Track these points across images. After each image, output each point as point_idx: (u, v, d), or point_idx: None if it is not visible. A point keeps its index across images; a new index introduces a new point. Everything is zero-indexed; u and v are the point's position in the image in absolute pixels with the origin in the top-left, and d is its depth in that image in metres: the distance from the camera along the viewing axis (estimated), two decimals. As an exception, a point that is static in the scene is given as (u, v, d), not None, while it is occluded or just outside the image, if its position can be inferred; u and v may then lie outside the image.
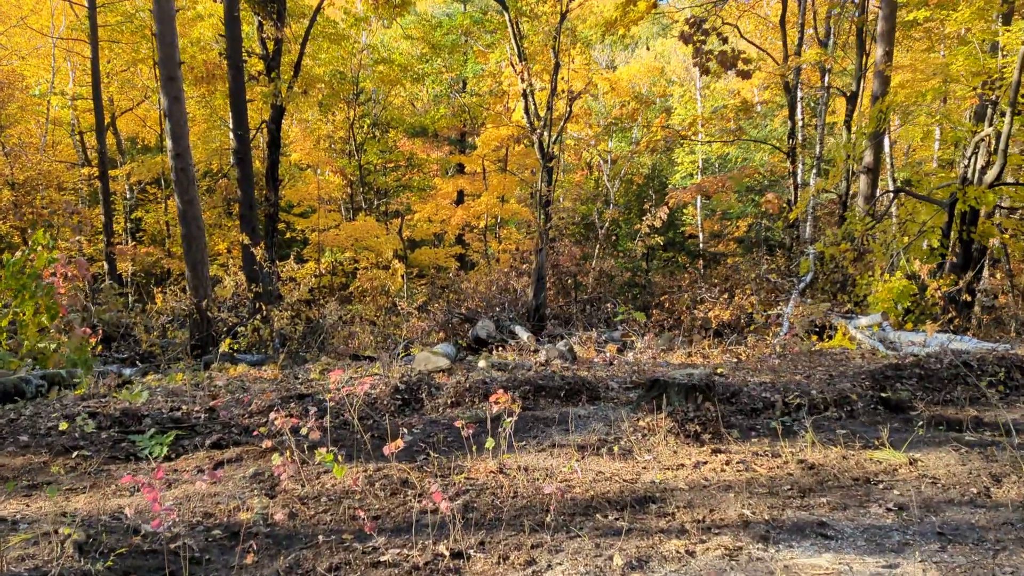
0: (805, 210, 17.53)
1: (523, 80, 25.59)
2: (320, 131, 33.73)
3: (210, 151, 27.93)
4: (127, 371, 12.68)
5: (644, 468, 5.39)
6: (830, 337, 11.27)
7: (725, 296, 13.28)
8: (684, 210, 37.22)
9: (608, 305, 15.41)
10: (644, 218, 21.32)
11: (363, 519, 4.14)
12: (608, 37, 18.59)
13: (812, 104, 28.46)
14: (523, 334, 12.23)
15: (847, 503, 4.60)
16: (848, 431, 6.24)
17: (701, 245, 36.12)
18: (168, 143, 12.95)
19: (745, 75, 17.15)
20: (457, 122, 30.45)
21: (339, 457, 5.66)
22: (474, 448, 5.77)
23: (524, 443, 6.07)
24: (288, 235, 29.64)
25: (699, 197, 29.85)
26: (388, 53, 29.78)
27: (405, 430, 6.45)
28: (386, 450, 4.85)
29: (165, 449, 6.19)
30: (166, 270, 27.68)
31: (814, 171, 21.99)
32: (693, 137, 19.08)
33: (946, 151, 27.19)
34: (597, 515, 4.47)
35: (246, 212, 16.99)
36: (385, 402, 7.22)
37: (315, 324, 15.67)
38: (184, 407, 7.29)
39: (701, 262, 34.45)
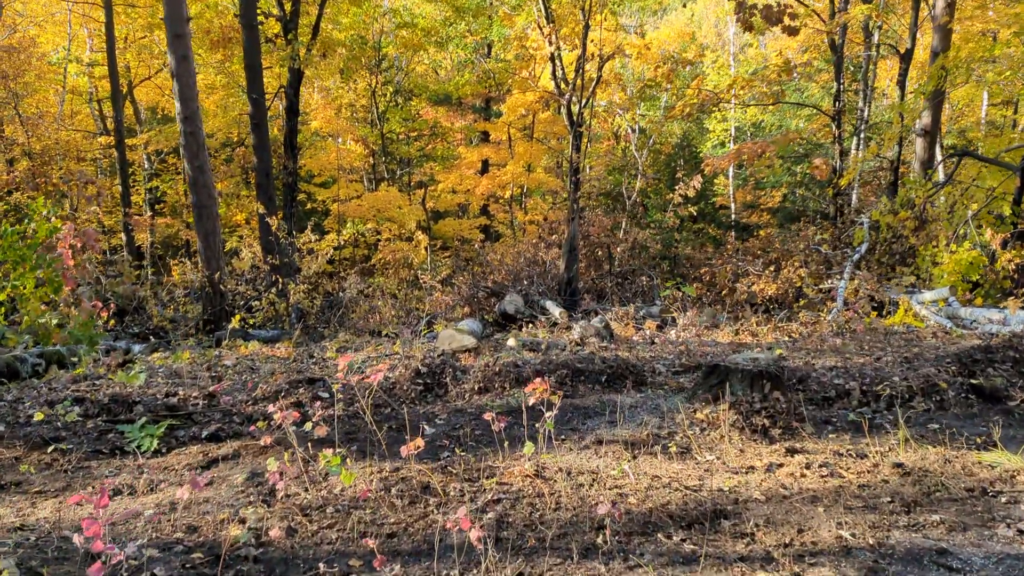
0: (855, 177, 16.51)
1: (551, 43, 24.52)
2: (342, 99, 32.85)
3: (229, 120, 27.10)
4: (136, 348, 12.00)
5: (707, 471, 4.56)
6: (890, 313, 10.36)
7: (771, 269, 12.37)
8: (714, 180, 36.05)
9: (644, 278, 14.55)
10: (676, 187, 20.32)
11: (374, 539, 3.37)
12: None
13: (851, 68, 27.19)
14: (555, 310, 11.39)
15: (966, 522, 3.76)
16: (940, 425, 5.38)
17: (733, 216, 34.97)
18: (176, 105, 12.16)
19: (792, 31, 16.07)
20: (482, 88, 29.44)
21: (350, 457, 4.88)
22: (506, 444, 4.97)
23: (563, 438, 5.27)
24: (309, 206, 28.85)
25: (732, 166, 28.71)
26: (411, 17, 28.79)
27: (426, 424, 5.66)
28: (404, 451, 4.07)
29: (155, 442, 5.45)
30: (185, 241, 27.05)
31: (855, 138, 20.87)
32: (732, 100, 18.02)
33: (994, 113, 25.88)
34: (659, 534, 3.66)
35: (262, 180, 16.22)
36: (405, 387, 6.43)
37: (334, 298, 14.94)
38: (181, 392, 6.55)
39: (733, 233, 33.38)
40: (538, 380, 4.64)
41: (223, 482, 4.60)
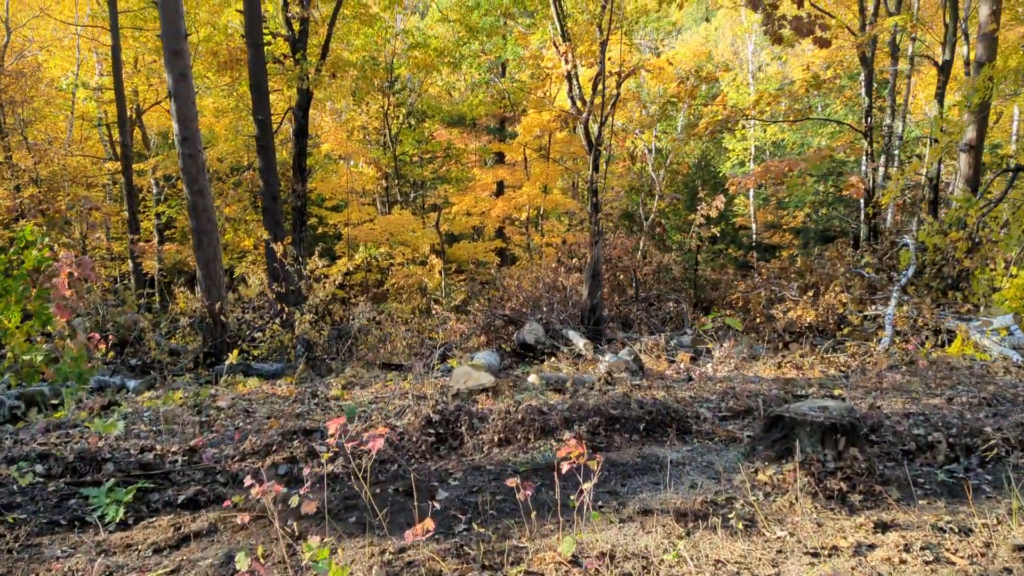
0: (897, 195, 15.66)
1: (567, 61, 23.84)
2: (354, 122, 32.28)
3: (239, 144, 26.49)
4: (131, 383, 11.23)
5: (781, 552, 3.72)
6: (946, 343, 9.48)
7: (809, 294, 11.51)
8: (734, 200, 35.20)
9: (671, 303, 13.72)
10: (698, 208, 19.50)
11: None
12: (663, 6, 16.80)
13: (875, 84, 26.38)
14: (578, 341, 10.56)
15: None
16: (1051, 488, 4.51)
17: (754, 236, 34.08)
18: (174, 126, 11.48)
19: (823, 43, 15.29)
20: (496, 108, 28.77)
21: (345, 535, 4.07)
22: (534, 515, 4.14)
23: (601, 504, 4.44)
24: (320, 230, 28.20)
25: (753, 186, 27.86)
26: (424, 38, 28.21)
27: (439, 485, 4.84)
28: (410, 536, 3.27)
29: (121, 510, 4.65)
30: (194, 268, 26.38)
31: (883, 155, 20.01)
32: (758, 116, 17.24)
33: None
34: (736, 654, 2.82)
35: (269, 204, 15.54)
36: (415, 438, 5.62)
37: (342, 327, 14.18)
38: (159, 446, 5.75)
39: (755, 254, 32.48)
40: (571, 441, 3.83)
41: (191, 569, 3.79)
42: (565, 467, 3.75)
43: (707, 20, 60.80)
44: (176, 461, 5.40)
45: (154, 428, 6.85)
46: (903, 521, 4.05)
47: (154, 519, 4.57)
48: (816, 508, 4.21)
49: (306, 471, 3.83)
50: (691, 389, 7.38)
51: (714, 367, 9.05)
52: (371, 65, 25.27)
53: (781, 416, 4.65)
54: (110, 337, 13.56)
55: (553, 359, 10.49)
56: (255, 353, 12.69)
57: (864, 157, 17.10)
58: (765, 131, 35.16)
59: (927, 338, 9.46)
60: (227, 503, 3.96)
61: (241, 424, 6.96)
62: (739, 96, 34.14)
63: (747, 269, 30.49)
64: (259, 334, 12.41)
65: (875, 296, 11.23)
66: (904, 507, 4.25)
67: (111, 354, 13.24)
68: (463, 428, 5.71)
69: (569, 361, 10.21)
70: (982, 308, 10.01)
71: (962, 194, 11.62)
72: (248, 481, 3.64)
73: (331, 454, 4.82)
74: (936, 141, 14.65)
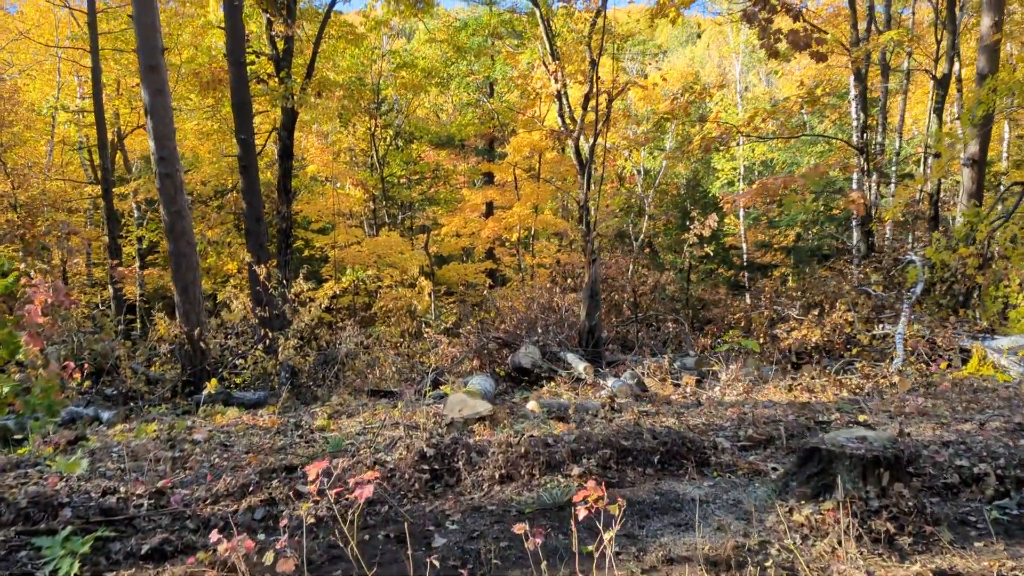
0: (901, 211, 15.32)
1: (556, 80, 23.50)
2: (340, 144, 31.87)
3: (222, 167, 25.95)
4: (105, 415, 10.67)
5: (830, 609, 3.24)
6: (958, 363, 9.04)
7: (814, 313, 11.07)
8: (723, 219, 34.87)
9: (670, 323, 13.25)
10: (691, 227, 19.10)
11: None
12: (654, 26, 16.44)
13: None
14: (578, 364, 10.05)
15: None
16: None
17: (745, 256, 33.76)
18: (151, 144, 10.99)
19: (820, 57, 14.96)
20: (485, 129, 28.41)
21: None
22: (544, 567, 3.64)
23: (618, 550, 3.94)
24: (307, 252, 27.68)
25: (742, 206, 27.53)
26: (411, 58, 27.87)
27: (435, 529, 4.34)
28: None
29: (77, 565, 4.12)
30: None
31: (875, 173, 19.70)
32: (753, 133, 16.87)
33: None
34: None
35: (252, 226, 15.03)
36: (407, 475, 5.11)
37: (328, 352, 13.65)
38: (124, 488, 5.22)
39: (746, 274, 32.14)
40: (590, 483, 3.34)
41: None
42: (582, 512, 3.26)
43: (695, 41, 61.01)
44: (142, 505, 4.87)
45: (122, 466, 6.32)
46: (962, 568, 3.57)
47: (114, 573, 4.05)
48: (862, 553, 3.72)
49: (283, 522, 3.32)
50: (702, 415, 6.89)
51: (722, 390, 8.58)
52: (358, 86, 24.88)
53: (817, 448, 4.17)
54: (85, 366, 12.98)
55: (551, 384, 9.99)
56: (237, 381, 12.15)
57: (860, 174, 16.73)
58: (754, 150, 34.94)
59: (942, 358, 9.01)
60: (192, 560, 3.44)
61: (218, 460, 6.43)
62: (728, 116, 33.91)
63: (739, 288, 30.14)
64: (241, 361, 11.86)
65: (882, 315, 10.80)
66: (959, 550, 3.77)
67: (86, 383, 12.65)
68: (460, 463, 5.21)
69: (568, 385, 9.71)
70: (997, 326, 9.60)
71: (969, 209, 11.24)
72: (215, 536, 3.14)
73: (312, 502, 4.31)
74: (938, 156, 14.33)
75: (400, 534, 4.24)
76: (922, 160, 17.23)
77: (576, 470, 4.96)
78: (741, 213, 33.47)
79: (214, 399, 10.50)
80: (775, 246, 33.38)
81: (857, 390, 8.26)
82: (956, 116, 14.90)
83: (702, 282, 29.92)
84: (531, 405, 7.67)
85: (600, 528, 3.37)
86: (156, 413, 10.31)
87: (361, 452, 5.77)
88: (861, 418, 6.14)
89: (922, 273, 10.62)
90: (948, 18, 13.95)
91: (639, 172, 37.52)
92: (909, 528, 3.84)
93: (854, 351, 9.91)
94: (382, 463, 5.39)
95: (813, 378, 8.74)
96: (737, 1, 19.79)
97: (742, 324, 12.25)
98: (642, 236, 30.55)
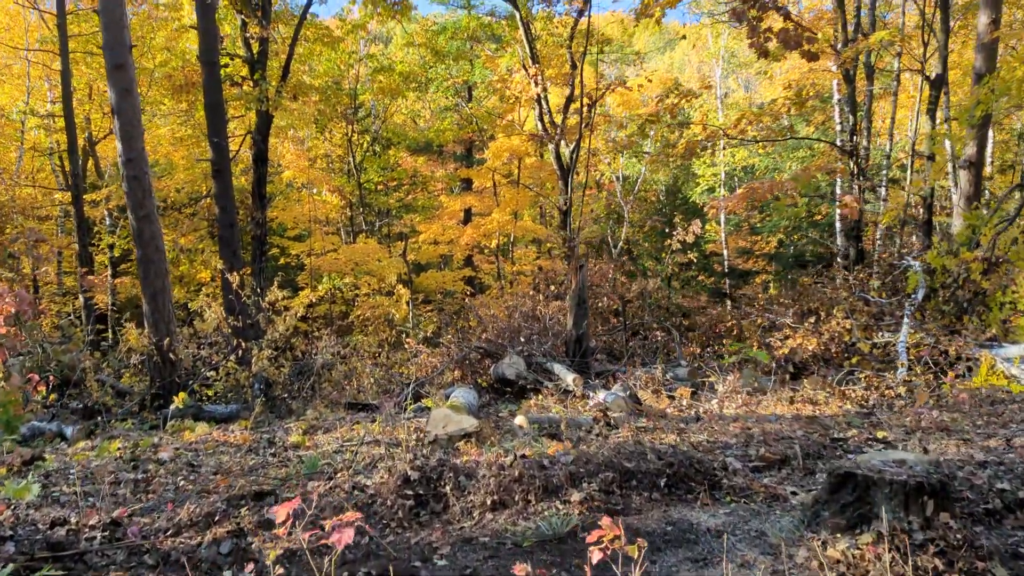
0: (899, 215, 15.00)
1: (536, 84, 23.13)
2: (317, 150, 31.33)
3: (196, 173, 25.31)
4: (69, 430, 10.11)
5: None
6: (968, 371, 8.68)
7: (810, 321, 10.68)
8: (703, 226, 34.53)
9: (659, 332, 12.85)
10: (674, 234, 18.76)
11: None
12: (638, 24, 16.07)
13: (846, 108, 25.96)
14: (566, 375, 9.59)
15: None
16: None
17: (726, 263, 33.48)
18: (118, 146, 10.45)
19: (811, 56, 14.65)
20: (464, 134, 27.96)
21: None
22: (548, 612, 3.18)
23: (628, 590, 3.49)
24: (282, 260, 27.08)
25: (723, 212, 27.24)
26: (389, 62, 27.40)
27: (421, 565, 3.87)
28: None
29: (15, 611, 3.63)
30: (150, 302, 25.05)
31: (861, 177, 19.44)
32: (740, 136, 16.54)
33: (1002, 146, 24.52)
34: None
35: (225, 232, 14.50)
36: (389, 502, 4.64)
37: (304, 363, 13.14)
38: (76, 518, 4.71)
39: (727, 281, 31.84)
40: (605, 521, 2.89)
41: None
42: (597, 555, 2.81)
43: (674, 47, 60.97)
44: (94, 538, 4.37)
45: (79, 489, 5.80)
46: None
47: (56, 622, 3.56)
48: (906, 594, 3.30)
49: (249, 567, 2.85)
50: (704, 430, 6.46)
51: (720, 403, 8.16)
52: (334, 90, 24.36)
53: (851, 474, 3.74)
54: (51, 378, 12.39)
55: (538, 396, 9.54)
56: (209, 393, 11.60)
57: (849, 178, 16.42)
58: (735, 156, 34.74)
59: (949, 367, 8.64)
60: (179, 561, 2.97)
61: (183, 482, 5.93)
62: (709, 120, 33.67)
63: (720, 296, 29.83)
64: (212, 373, 11.31)
65: (882, 322, 10.44)
66: (1014, 589, 3.35)
67: (52, 396, 12.03)
68: (448, 487, 4.74)
69: (556, 398, 9.26)
70: (1005, 333, 9.26)
71: (970, 212, 10.90)
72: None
73: (283, 541, 3.84)
74: (931, 159, 14.04)
75: (383, 572, 3.77)
76: (909, 164, 16.91)
77: (576, 495, 4.51)
78: (722, 219, 33.20)
79: (183, 413, 9.97)
80: (756, 253, 33.13)
81: (863, 402, 7.87)
82: (944, 119, 14.59)
83: (683, 289, 29.58)
84: (519, 420, 7.22)
85: (617, 571, 2.93)
86: (122, 429, 9.78)
87: (338, 475, 5.29)
88: (880, 434, 5.73)
89: (922, 279, 10.27)
90: (941, 17, 13.66)
91: (617, 179, 37.19)
92: (960, 565, 3.42)
93: (854, 360, 9.53)
94: (361, 487, 4.92)
95: (815, 389, 8.34)
96: (721, 2, 19.44)
97: (734, 332, 11.86)
98: (621, 243, 30.20)
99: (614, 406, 7.64)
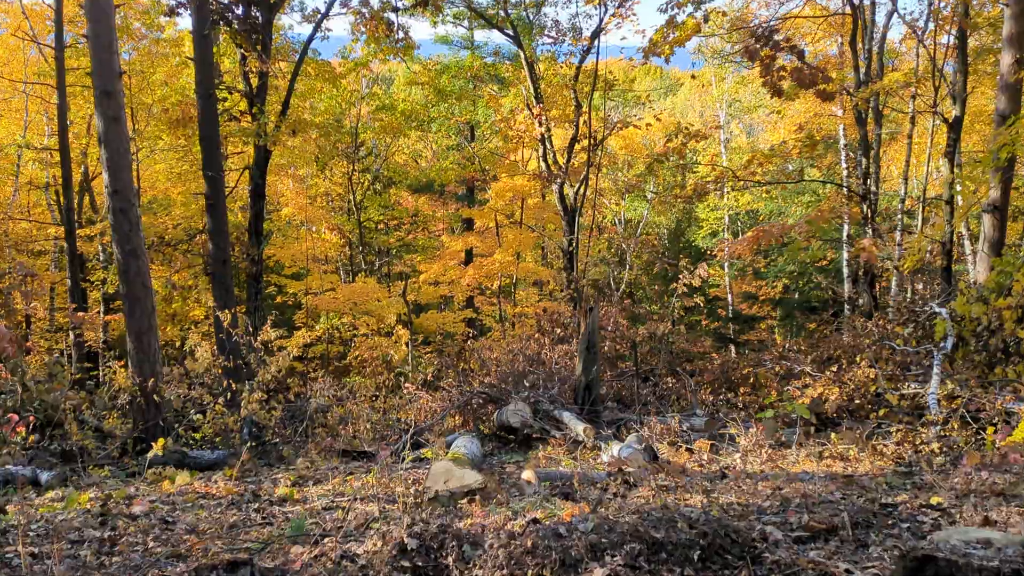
0: (921, 259, 14.51)
1: (540, 124, 22.83)
2: (317, 188, 30.97)
3: (193, 210, 24.88)
4: (44, 475, 9.50)
5: None
6: (1006, 425, 8.10)
7: (832, 369, 10.12)
8: (710, 268, 34.06)
9: (668, 378, 12.27)
10: (681, 277, 18.30)
11: None
12: (643, 64, 15.76)
13: (852, 153, 25.64)
14: (576, 424, 8.99)
15: None
16: None
17: (730, 307, 32.96)
18: (104, 177, 9.96)
19: (826, 96, 14.29)
20: (466, 173, 27.59)
21: None
22: None
23: None
24: (279, 299, 26.55)
25: (730, 255, 26.77)
26: (390, 101, 27.12)
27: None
28: None
29: None
30: (141, 340, 24.45)
31: (872, 221, 18.99)
32: (750, 178, 16.12)
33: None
34: None
35: (218, 268, 13.97)
36: (383, 574, 4.03)
37: (296, 406, 12.53)
38: (21, 590, 4.11)
39: (732, 326, 31.31)
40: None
41: None
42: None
43: (676, 91, 61.12)
44: (39, 616, 3.76)
45: (37, 550, 5.18)
46: None
47: None
48: None
49: None
50: (732, 490, 5.86)
51: (743, 458, 7.56)
52: (335, 127, 24.00)
53: (931, 557, 3.15)
54: (31, 418, 11.75)
55: (545, 446, 8.93)
56: (196, 437, 10.96)
57: (861, 222, 15.96)
58: (738, 200, 34.36)
59: (986, 421, 8.05)
60: None
61: (153, 542, 5.32)
62: (706, 169, 33.38)
63: (726, 341, 29.26)
64: (199, 416, 10.70)
65: (907, 372, 9.87)
66: None
67: (32, 438, 11.36)
68: (450, 558, 4.14)
69: (565, 449, 8.66)
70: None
71: (1001, 258, 10.38)
72: None
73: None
74: (949, 203, 13.57)
75: (374, 667, 3.16)
76: (920, 209, 16.46)
77: (599, 571, 3.92)
78: (726, 264, 32.76)
79: (165, 460, 9.35)
80: (761, 298, 32.65)
81: (899, 459, 7.27)
82: (956, 163, 14.16)
83: (687, 333, 29.04)
84: (527, 475, 6.62)
85: None
86: (98, 477, 9.15)
87: (326, 541, 4.67)
88: (934, 500, 5.14)
89: (950, 327, 9.72)
90: (959, 59, 13.29)
91: (619, 222, 36.87)
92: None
93: (881, 412, 8.94)
94: (351, 556, 4.32)
95: (845, 443, 7.74)
96: (734, 42, 19.15)
97: (750, 380, 11.28)
98: (623, 287, 29.69)
99: (632, 461, 7.04)
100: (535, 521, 4.62)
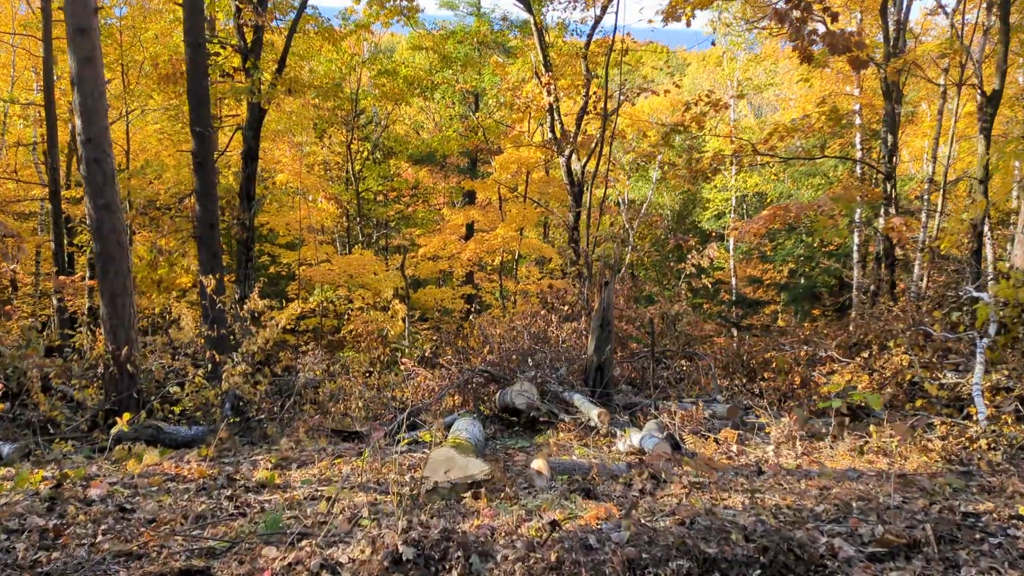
0: (958, 241, 13.73)
1: (549, 92, 21.90)
2: (315, 156, 30.06)
3: (184, 174, 23.96)
4: (6, 448, 8.74)
5: None
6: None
7: (863, 356, 9.35)
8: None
9: (683, 361, 11.51)
10: (689, 257, 17.47)
11: None
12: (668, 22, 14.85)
13: (870, 131, 24.76)
14: (589, 409, 8.19)
15: None
16: None
17: (734, 291, 32.19)
18: (76, 123, 9.12)
19: (860, 63, 13.38)
20: (469, 143, 26.66)
21: None
22: None
23: None
24: (272, 269, 25.71)
25: (745, 235, 25.93)
26: (392, 66, 26.13)
27: None
28: None
29: None
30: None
31: (892, 202, 18.12)
32: (770, 153, 15.28)
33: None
34: None
35: (205, 232, 13.06)
36: (372, 592, 3.25)
37: (284, 380, 11.75)
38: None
39: (736, 310, 30.56)
40: None
41: None
42: None
43: (684, 71, 60.08)
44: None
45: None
46: None
47: None
48: None
49: None
50: (774, 490, 5.09)
51: (776, 451, 6.79)
52: (334, 90, 23.02)
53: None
54: (0, 386, 10.99)
55: (556, 432, 8.14)
56: (176, 411, 10.17)
57: (883, 202, 15.13)
58: (746, 181, 33.51)
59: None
60: None
61: (103, 536, 4.54)
62: (721, 143, 32.50)
63: (730, 324, 28.49)
64: (177, 388, 9.89)
65: (946, 360, 9.12)
66: None
67: (0, 407, 10.55)
68: (455, 573, 3.35)
69: (575, 434, 7.88)
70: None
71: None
72: None
73: None
74: (982, 181, 12.78)
75: None
76: (941, 188, 15.60)
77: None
78: (731, 246, 31.95)
79: (137, 435, 8.58)
80: (767, 282, 31.88)
81: (950, 455, 6.50)
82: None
83: (689, 315, 28.27)
84: (538, 464, 5.83)
85: None
86: (60, 452, 8.37)
87: (305, 545, 3.87)
88: (1022, 510, 4.38)
89: (992, 312, 8.95)
90: (1001, 28, 12.43)
91: (621, 203, 35.95)
92: None
93: (918, 403, 8.17)
94: (333, 566, 3.53)
95: (879, 436, 6.96)
96: (762, 2, 18.22)
97: (772, 365, 10.49)
98: (623, 267, 28.90)
99: (657, 452, 6.26)
100: (555, 525, 3.84)
